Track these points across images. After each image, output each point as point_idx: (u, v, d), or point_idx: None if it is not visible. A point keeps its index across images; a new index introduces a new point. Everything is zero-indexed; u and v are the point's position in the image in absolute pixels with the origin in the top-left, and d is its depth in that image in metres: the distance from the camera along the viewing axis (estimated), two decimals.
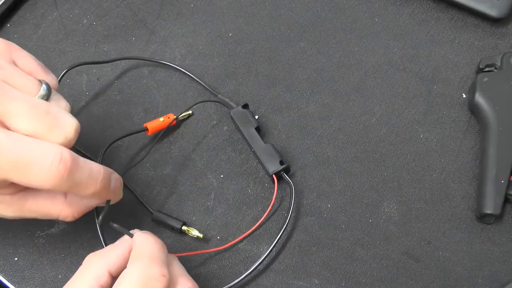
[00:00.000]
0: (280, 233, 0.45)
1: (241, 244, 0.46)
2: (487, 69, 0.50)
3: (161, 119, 0.49)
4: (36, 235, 0.47)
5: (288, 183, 0.47)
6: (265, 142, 0.47)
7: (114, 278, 0.37)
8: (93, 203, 0.40)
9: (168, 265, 0.37)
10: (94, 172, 0.36)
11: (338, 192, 0.48)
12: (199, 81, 0.51)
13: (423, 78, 0.51)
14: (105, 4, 0.56)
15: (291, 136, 0.50)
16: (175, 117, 0.49)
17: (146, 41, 0.54)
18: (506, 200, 0.45)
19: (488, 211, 0.45)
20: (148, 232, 0.40)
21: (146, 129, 0.49)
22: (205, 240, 0.47)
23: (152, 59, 0.52)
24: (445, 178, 0.48)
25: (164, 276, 0.35)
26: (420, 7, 0.54)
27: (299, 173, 0.49)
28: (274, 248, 0.45)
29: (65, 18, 0.55)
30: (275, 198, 0.46)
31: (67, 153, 0.34)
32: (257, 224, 0.46)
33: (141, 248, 0.37)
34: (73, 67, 0.49)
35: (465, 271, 0.45)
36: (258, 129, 0.48)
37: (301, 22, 0.54)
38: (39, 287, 0.46)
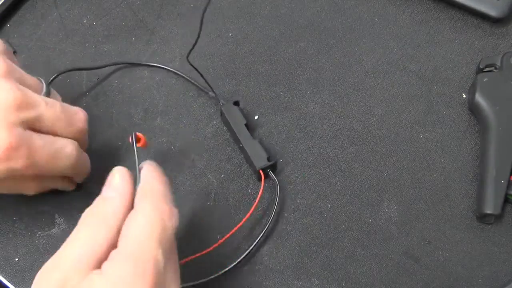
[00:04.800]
0: (263, 232, 0.45)
1: (231, 242, 0.46)
2: (487, 69, 0.50)
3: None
4: (37, 235, 0.47)
5: (273, 180, 0.47)
6: (254, 138, 0.47)
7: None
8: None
9: None
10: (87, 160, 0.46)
11: (338, 192, 0.48)
12: (191, 80, 0.51)
13: (423, 78, 0.51)
14: (105, 4, 0.56)
15: (291, 136, 0.50)
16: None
17: (146, 41, 0.54)
18: (506, 200, 0.45)
19: (488, 211, 0.45)
20: (152, 163, 0.40)
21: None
22: (205, 240, 0.47)
23: (142, 63, 0.52)
24: (445, 178, 0.48)
25: (175, 212, 0.35)
26: (420, 7, 0.54)
27: (299, 173, 0.49)
28: (264, 247, 0.45)
29: (65, 18, 0.55)
30: (261, 195, 0.46)
31: (76, 145, 0.43)
32: (241, 223, 0.45)
33: (151, 184, 0.37)
34: (61, 73, 0.50)
35: (465, 271, 0.45)
36: (247, 126, 0.48)
37: (301, 22, 0.54)
38: None
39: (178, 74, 0.52)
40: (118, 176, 0.37)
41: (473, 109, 0.49)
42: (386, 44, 0.53)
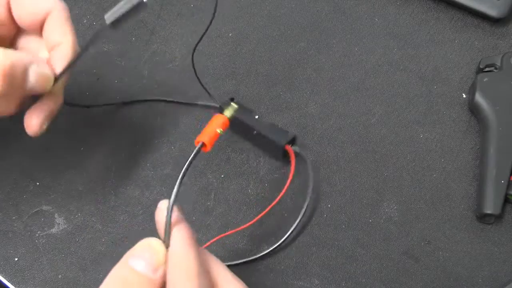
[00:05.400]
0: (306, 205, 0.46)
1: (231, 242, 0.46)
2: (487, 69, 0.50)
3: (220, 130, 0.41)
4: (36, 235, 0.47)
5: (301, 156, 0.47)
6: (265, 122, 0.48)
7: None
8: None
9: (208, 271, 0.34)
10: None
11: (338, 192, 0.48)
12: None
13: (423, 78, 0.51)
14: (105, 4, 0.56)
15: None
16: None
17: (146, 41, 0.54)
18: (506, 200, 0.45)
19: (488, 211, 0.45)
20: (185, 228, 0.34)
21: (203, 146, 0.40)
22: (205, 240, 0.47)
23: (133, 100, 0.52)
24: (445, 178, 0.48)
25: None
26: (420, 7, 0.54)
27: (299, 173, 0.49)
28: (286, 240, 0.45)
29: None
30: (293, 172, 0.46)
31: None
32: (276, 200, 0.45)
33: (183, 265, 0.33)
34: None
35: (465, 271, 0.45)
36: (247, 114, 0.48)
37: (301, 22, 0.54)
38: (39, 287, 0.46)
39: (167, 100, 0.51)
40: (157, 252, 0.33)
41: (473, 109, 0.49)
42: (386, 44, 0.53)
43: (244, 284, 0.35)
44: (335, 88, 0.52)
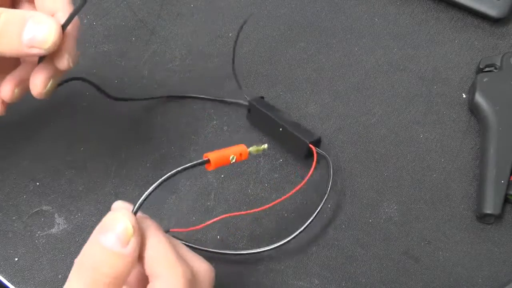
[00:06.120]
0: (321, 205, 0.45)
1: (231, 242, 0.46)
2: (487, 69, 0.50)
3: (232, 158, 0.38)
4: (36, 235, 0.47)
5: (322, 155, 0.47)
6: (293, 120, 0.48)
7: None
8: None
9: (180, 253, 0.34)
10: None
11: (338, 192, 0.48)
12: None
13: (423, 78, 0.51)
14: (105, 4, 0.56)
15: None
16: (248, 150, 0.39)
17: (146, 41, 0.54)
18: (506, 200, 0.45)
19: (488, 211, 0.45)
20: (146, 217, 0.34)
21: (208, 162, 0.37)
22: (205, 240, 0.47)
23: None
24: (445, 178, 0.48)
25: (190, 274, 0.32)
26: (420, 7, 0.54)
27: (299, 172, 0.48)
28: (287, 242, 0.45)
29: None
30: (313, 169, 0.46)
31: None
32: (297, 188, 0.45)
33: (161, 250, 0.32)
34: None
35: (465, 271, 0.45)
36: (274, 112, 0.49)
37: (301, 22, 0.54)
38: (39, 287, 0.46)
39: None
40: (126, 224, 0.31)
41: (473, 109, 0.49)
42: (386, 44, 0.53)
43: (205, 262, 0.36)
44: (335, 88, 0.52)
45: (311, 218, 0.45)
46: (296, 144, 0.47)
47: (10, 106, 0.41)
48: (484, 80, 0.48)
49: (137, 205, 0.33)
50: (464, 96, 0.51)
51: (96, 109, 0.51)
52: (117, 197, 0.48)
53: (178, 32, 0.54)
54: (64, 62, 0.37)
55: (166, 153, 0.50)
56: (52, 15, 0.37)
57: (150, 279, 0.32)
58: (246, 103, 0.49)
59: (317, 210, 0.45)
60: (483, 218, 0.46)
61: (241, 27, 0.48)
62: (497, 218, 0.46)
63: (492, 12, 0.51)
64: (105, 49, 0.54)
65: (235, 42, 0.48)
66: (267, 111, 0.48)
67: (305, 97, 0.51)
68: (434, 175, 0.48)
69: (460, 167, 0.48)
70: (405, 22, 0.54)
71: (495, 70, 0.49)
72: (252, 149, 0.39)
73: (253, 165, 0.49)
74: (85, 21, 0.55)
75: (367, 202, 0.47)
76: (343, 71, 0.52)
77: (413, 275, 0.45)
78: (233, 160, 0.37)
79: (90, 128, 0.51)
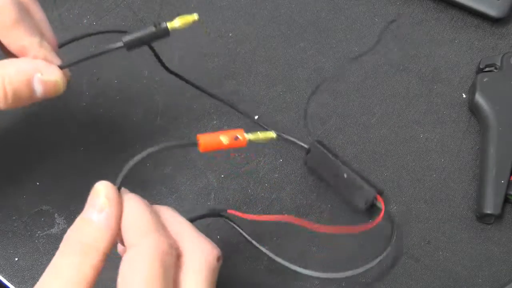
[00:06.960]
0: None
1: (231, 242, 0.46)
2: (487, 69, 0.50)
3: (224, 140, 0.35)
4: (36, 235, 0.47)
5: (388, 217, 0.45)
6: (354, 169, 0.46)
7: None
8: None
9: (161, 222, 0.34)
10: None
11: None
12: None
13: (423, 78, 0.51)
14: (105, 4, 0.56)
15: (291, 136, 0.50)
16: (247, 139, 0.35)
17: None
18: (506, 200, 0.45)
19: (488, 211, 0.45)
20: (126, 191, 0.35)
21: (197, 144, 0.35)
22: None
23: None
24: (445, 178, 0.48)
25: (173, 246, 0.32)
26: (420, 7, 0.54)
27: (299, 173, 0.48)
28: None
29: (65, 18, 0.55)
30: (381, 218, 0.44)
31: None
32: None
33: (137, 219, 0.33)
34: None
35: (465, 271, 0.45)
36: (336, 156, 0.46)
37: (301, 22, 0.54)
38: None
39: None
40: (103, 195, 0.33)
41: (473, 109, 0.49)
42: (386, 44, 0.53)
43: (208, 240, 0.35)
44: (335, 88, 0.52)
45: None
46: (359, 194, 0.45)
47: (10, 108, 0.41)
48: (484, 80, 0.48)
49: (119, 176, 0.34)
50: (464, 96, 0.51)
51: (96, 109, 0.51)
52: None
53: (178, 32, 0.54)
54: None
55: (166, 153, 0.50)
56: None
57: (126, 249, 0.33)
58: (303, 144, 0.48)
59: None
60: (483, 218, 0.46)
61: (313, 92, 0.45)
62: (497, 218, 0.46)
63: (492, 12, 0.51)
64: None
65: (308, 98, 0.46)
66: (330, 155, 0.46)
67: (305, 97, 0.51)
68: (434, 175, 0.48)
69: (460, 167, 0.48)
70: (405, 22, 0.54)
71: (495, 70, 0.49)
72: (252, 136, 0.35)
73: (253, 165, 0.49)
74: (85, 21, 0.55)
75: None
76: (343, 71, 0.52)
77: (413, 275, 0.45)
78: (226, 142, 0.34)
79: (90, 128, 0.51)
